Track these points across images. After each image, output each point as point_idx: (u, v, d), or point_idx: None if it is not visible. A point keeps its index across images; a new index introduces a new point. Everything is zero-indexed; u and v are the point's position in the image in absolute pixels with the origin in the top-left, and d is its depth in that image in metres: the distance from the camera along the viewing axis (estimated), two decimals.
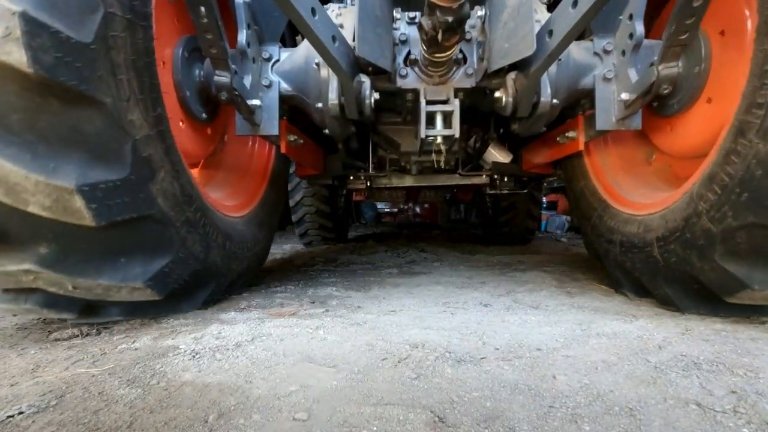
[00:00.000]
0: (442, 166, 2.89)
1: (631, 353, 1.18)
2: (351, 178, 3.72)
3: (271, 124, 1.96)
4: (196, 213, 1.55)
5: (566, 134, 2.17)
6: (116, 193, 1.22)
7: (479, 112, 2.43)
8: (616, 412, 0.85)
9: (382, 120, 2.67)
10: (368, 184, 3.82)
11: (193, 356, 1.17)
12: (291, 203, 4.42)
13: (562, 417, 0.84)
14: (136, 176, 1.27)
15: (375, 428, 0.81)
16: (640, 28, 1.70)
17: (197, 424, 0.83)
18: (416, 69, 1.92)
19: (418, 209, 13.62)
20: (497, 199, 4.77)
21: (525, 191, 4.06)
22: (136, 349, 1.26)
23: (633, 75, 1.78)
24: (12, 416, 0.85)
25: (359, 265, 3.18)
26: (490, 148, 3.04)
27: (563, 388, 0.97)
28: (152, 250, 1.42)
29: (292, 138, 2.20)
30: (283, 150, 2.14)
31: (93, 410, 0.88)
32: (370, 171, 3.33)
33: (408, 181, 3.96)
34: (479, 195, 5.88)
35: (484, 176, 3.68)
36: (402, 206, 13.56)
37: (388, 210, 13.55)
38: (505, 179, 3.70)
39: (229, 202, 2.05)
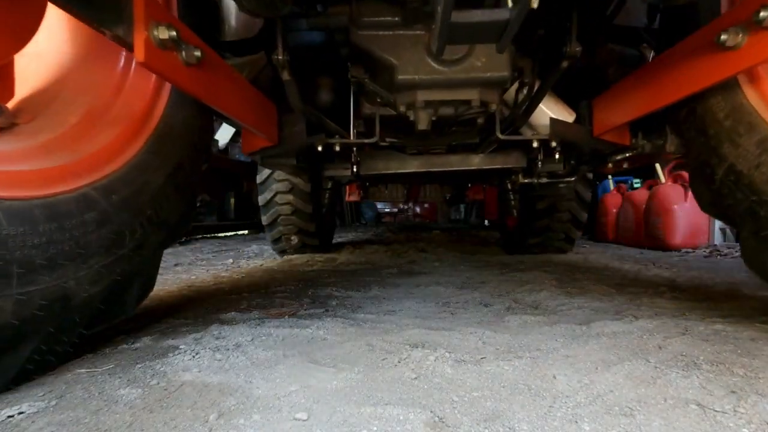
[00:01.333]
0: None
1: (631, 353, 1.18)
2: (320, 148, 2.10)
3: None
4: None
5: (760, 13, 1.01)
6: None
7: (539, 18, 1.33)
8: (616, 412, 0.85)
9: (363, 18, 1.52)
10: (354, 168, 2.57)
11: (193, 356, 1.17)
12: (261, 202, 3.49)
13: (562, 417, 0.84)
14: None
15: (375, 428, 0.81)
16: None
17: (197, 424, 0.83)
18: None
19: (418, 209, 13.64)
20: (531, 195, 3.47)
21: (573, 178, 2.84)
22: (136, 349, 1.26)
23: None
24: (12, 416, 0.85)
25: (359, 265, 3.18)
26: (542, 105, 1.95)
27: (563, 388, 0.97)
28: None
29: (166, 35, 1.02)
30: (140, 57, 0.99)
31: (93, 410, 0.88)
32: (352, 136, 2.11)
33: (411, 165, 2.77)
34: (501, 191, 4.17)
35: (535, 142, 2.19)
36: (402, 206, 13.57)
37: (388, 210, 13.56)
38: (557, 156, 2.32)
39: (26, 162, 1.05)
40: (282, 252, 3.71)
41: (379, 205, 13.27)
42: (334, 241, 5.45)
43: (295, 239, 3.61)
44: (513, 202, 3.83)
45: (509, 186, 3.73)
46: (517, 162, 2.68)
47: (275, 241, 3.63)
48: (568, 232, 3.55)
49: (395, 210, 13.59)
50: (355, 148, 2.39)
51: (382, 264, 3.27)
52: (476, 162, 2.72)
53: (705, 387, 0.95)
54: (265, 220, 3.53)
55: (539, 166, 2.53)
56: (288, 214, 3.42)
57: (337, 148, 2.14)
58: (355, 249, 4.38)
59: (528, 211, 3.58)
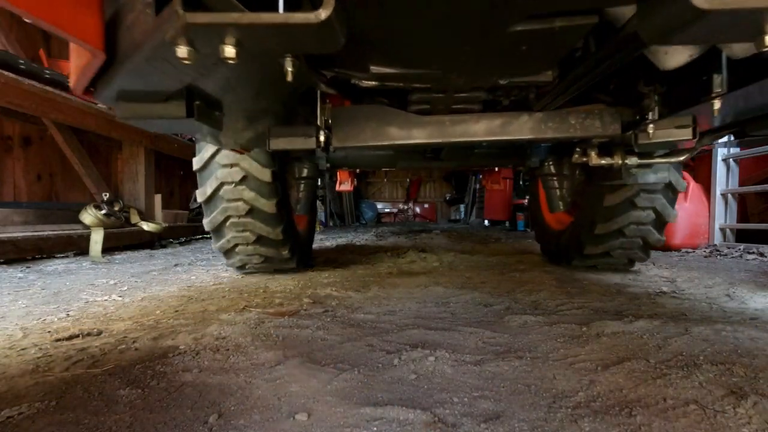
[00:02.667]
0: None
1: (631, 353, 1.18)
2: (183, 53, 0.78)
3: None
4: None
5: None
6: None
7: None
8: (616, 412, 0.85)
9: None
10: (322, 137, 1.57)
11: (193, 356, 1.18)
12: (200, 197, 2.31)
13: (562, 417, 0.84)
14: None
15: (375, 428, 0.81)
16: None
17: (197, 424, 0.83)
18: None
19: (417, 209, 13.66)
20: (599, 183, 2.30)
21: (683, 157, 1.76)
22: (136, 349, 1.26)
23: None
24: (12, 416, 0.85)
25: (359, 265, 3.18)
26: None
27: (563, 388, 0.97)
28: None
29: None
30: None
31: (93, 410, 0.88)
32: (281, 8, 0.77)
33: (418, 134, 1.69)
34: (542, 176, 3.00)
35: None
36: (401, 206, 13.61)
37: (388, 210, 13.59)
38: (716, 104, 1.19)
39: None
40: (241, 267, 2.64)
41: (379, 205, 13.30)
42: (329, 244, 5.43)
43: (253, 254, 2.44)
44: (560, 192, 2.70)
45: (554, 169, 2.65)
46: (605, 128, 1.58)
47: (227, 253, 2.48)
48: (647, 238, 2.33)
49: (395, 210, 13.61)
50: (322, 103, 1.54)
51: (381, 264, 3.27)
52: (530, 128, 1.62)
53: (705, 387, 0.96)
54: (208, 224, 2.35)
55: (651, 133, 1.45)
56: (241, 216, 2.29)
57: (231, 53, 0.82)
58: (355, 249, 4.35)
59: (590, 207, 2.39)
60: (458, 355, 1.18)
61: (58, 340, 1.36)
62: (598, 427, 0.80)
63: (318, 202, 9.61)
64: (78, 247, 3.71)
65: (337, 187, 4.88)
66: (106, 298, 2.01)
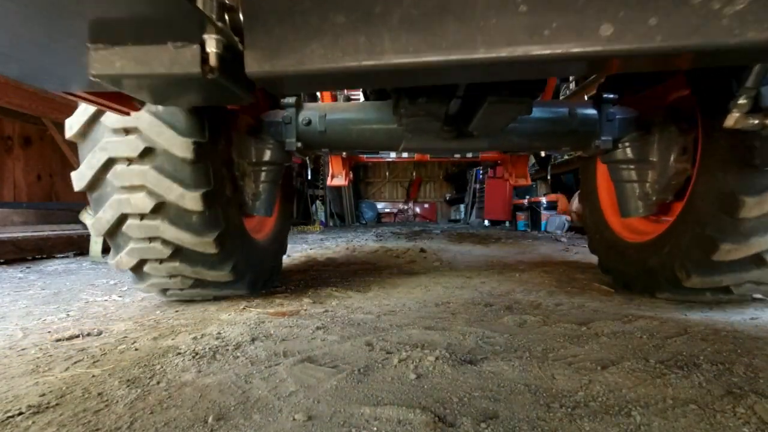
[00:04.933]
0: None
1: (631, 353, 1.18)
2: None
3: None
4: None
5: None
6: None
7: None
8: (615, 412, 0.85)
9: None
10: (213, 48, 0.71)
11: (193, 356, 1.18)
12: (96, 230, 1.51)
13: (562, 417, 0.84)
14: None
15: (375, 428, 0.81)
16: None
17: (197, 424, 0.83)
18: None
19: (417, 209, 13.68)
20: (723, 188, 1.42)
21: None
22: (136, 349, 1.26)
23: None
24: (12, 416, 0.85)
25: (359, 265, 3.18)
26: None
27: (563, 387, 0.97)
28: None
29: None
30: None
31: (93, 410, 0.88)
32: None
33: (439, 39, 0.70)
34: (609, 162, 1.93)
35: None
36: (401, 206, 13.63)
37: (388, 210, 13.61)
38: None
39: None
40: (162, 293, 1.80)
41: (379, 205, 13.33)
42: (329, 244, 5.42)
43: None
44: (641, 187, 1.84)
45: (632, 153, 1.81)
46: None
47: (162, 291, 1.78)
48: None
49: (395, 210, 13.64)
50: None
51: (382, 264, 3.27)
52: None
53: (705, 387, 0.96)
54: (117, 261, 1.58)
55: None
56: (163, 261, 1.57)
57: None
58: (356, 249, 4.35)
59: (705, 214, 1.53)
60: (458, 355, 1.18)
61: (58, 340, 1.36)
62: (598, 426, 0.80)
63: (318, 202, 9.67)
64: (78, 247, 3.71)
65: (329, 181, 3.77)
66: (106, 298, 2.02)
